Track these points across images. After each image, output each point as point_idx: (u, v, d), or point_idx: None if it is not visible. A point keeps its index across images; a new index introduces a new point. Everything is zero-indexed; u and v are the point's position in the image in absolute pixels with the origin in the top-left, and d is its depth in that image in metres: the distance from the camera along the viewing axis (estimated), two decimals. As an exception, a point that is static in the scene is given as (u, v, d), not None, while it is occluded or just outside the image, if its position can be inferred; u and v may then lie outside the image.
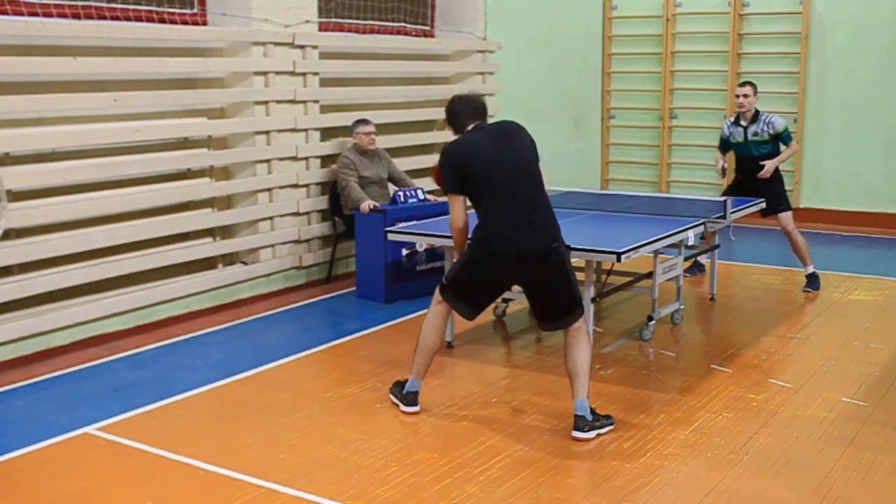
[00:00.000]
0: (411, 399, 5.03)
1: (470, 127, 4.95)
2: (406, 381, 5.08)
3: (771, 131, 7.49)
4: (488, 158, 4.76)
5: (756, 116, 7.56)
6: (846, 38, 10.65)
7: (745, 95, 7.52)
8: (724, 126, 7.78)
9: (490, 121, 5.20)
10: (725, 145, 7.81)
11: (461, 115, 5.00)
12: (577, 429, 4.67)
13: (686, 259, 6.98)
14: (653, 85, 11.82)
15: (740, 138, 7.60)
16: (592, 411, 4.75)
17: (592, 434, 4.69)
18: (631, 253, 5.46)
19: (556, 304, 4.85)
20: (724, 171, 7.84)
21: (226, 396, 5.36)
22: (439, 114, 9.21)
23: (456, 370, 5.82)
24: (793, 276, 8.16)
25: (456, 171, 4.82)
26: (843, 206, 10.83)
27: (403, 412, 5.01)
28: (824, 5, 10.74)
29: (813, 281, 7.65)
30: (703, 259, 7.93)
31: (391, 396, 5.17)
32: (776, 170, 7.57)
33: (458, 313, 5.02)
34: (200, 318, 6.89)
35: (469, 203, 4.92)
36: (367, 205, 7.33)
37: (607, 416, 4.83)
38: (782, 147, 7.57)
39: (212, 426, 4.90)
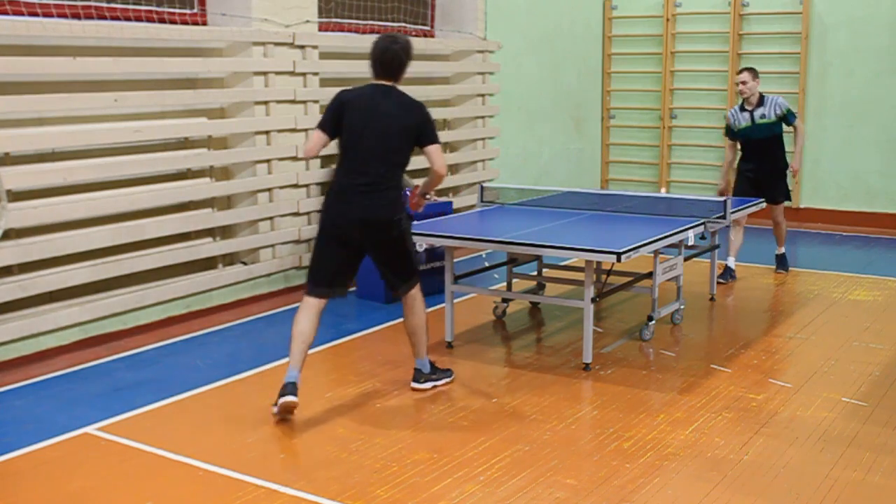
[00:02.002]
0: (287, 389, 4.83)
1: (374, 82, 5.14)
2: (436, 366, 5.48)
3: (779, 112, 7.66)
4: (360, 115, 4.98)
5: (762, 100, 7.70)
6: (846, 38, 10.66)
7: (744, 82, 7.70)
8: (730, 115, 7.91)
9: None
10: (733, 134, 7.93)
11: (371, 64, 5.17)
12: (414, 380, 5.33)
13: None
14: (653, 85, 11.83)
15: (747, 123, 7.69)
16: (432, 365, 5.38)
17: (429, 385, 5.33)
18: (631, 253, 5.46)
19: (395, 274, 5.17)
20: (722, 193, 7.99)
21: (226, 396, 5.36)
22: (439, 114, 9.26)
23: (456, 370, 5.81)
24: (793, 275, 8.16)
25: (334, 115, 5.04)
26: (843, 206, 10.83)
27: (279, 404, 4.82)
28: (824, 5, 10.74)
29: (783, 261, 8.11)
30: (732, 262, 8.01)
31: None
32: (783, 164, 7.82)
33: (309, 294, 5.05)
34: (200, 318, 6.89)
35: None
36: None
37: (446, 370, 5.44)
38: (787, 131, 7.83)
39: (212, 426, 4.90)
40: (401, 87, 5.15)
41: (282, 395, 4.82)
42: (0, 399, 5.31)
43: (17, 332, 5.79)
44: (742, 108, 7.74)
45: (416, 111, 5.07)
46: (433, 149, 5.08)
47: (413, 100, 5.12)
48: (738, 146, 8.00)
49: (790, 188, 8.19)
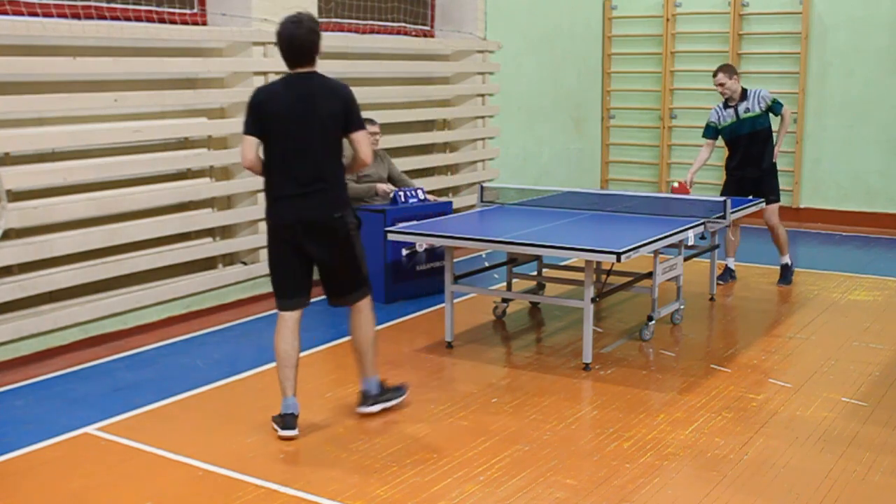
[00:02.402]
0: (289, 422, 4.69)
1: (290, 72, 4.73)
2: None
3: (764, 104, 7.54)
4: (280, 113, 4.58)
5: (745, 94, 7.59)
6: (846, 38, 10.66)
7: (721, 84, 7.56)
8: (713, 113, 7.73)
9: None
10: (714, 132, 7.75)
11: (282, 56, 4.77)
12: (360, 404, 4.93)
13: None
14: (653, 85, 11.83)
15: (732, 119, 7.60)
16: (381, 385, 4.96)
17: (377, 408, 4.93)
18: (631, 253, 5.46)
19: (341, 280, 4.79)
20: (690, 184, 7.88)
21: (226, 396, 5.36)
22: (439, 114, 9.26)
23: (456, 370, 5.82)
24: (793, 275, 8.16)
25: (254, 117, 4.63)
26: (843, 205, 10.83)
27: (280, 437, 4.69)
28: (824, 5, 10.74)
29: (786, 274, 7.84)
30: (731, 263, 7.96)
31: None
32: (770, 162, 7.66)
33: (282, 309, 4.78)
34: (200, 318, 6.89)
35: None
36: (382, 188, 7.42)
37: (397, 388, 5.03)
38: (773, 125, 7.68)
39: (212, 426, 4.90)
40: (320, 71, 4.78)
41: (285, 427, 4.68)
42: (0, 399, 5.31)
43: (17, 332, 5.80)
44: (726, 105, 7.64)
45: (340, 94, 4.69)
46: (360, 136, 4.69)
47: (336, 82, 4.76)
48: (718, 145, 7.84)
49: (777, 186, 7.83)
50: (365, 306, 4.86)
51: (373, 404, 4.94)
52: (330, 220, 4.65)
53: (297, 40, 4.71)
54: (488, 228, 6.45)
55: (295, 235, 4.65)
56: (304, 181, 4.60)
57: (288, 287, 4.77)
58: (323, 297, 7.70)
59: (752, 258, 8.78)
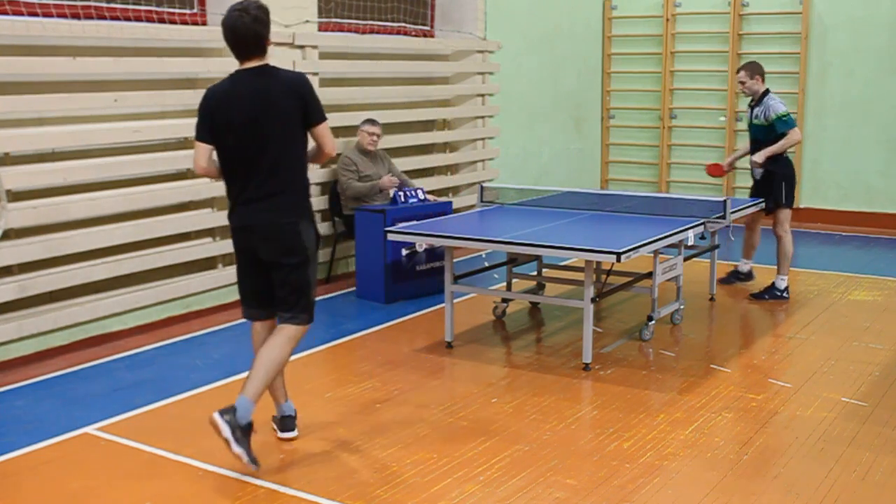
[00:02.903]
0: (287, 424, 4.62)
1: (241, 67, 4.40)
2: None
3: (769, 117, 7.22)
4: (232, 116, 4.27)
5: (762, 98, 7.34)
6: (846, 38, 10.65)
7: (742, 82, 7.41)
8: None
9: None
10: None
11: (230, 49, 4.40)
12: (221, 413, 4.16)
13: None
14: (652, 85, 11.83)
15: (748, 120, 7.49)
16: (247, 431, 4.19)
17: (227, 434, 4.14)
18: (631, 253, 5.46)
19: (280, 293, 4.37)
20: (729, 166, 7.79)
21: (226, 396, 5.34)
22: (439, 114, 9.26)
23: (456, 370, 5.82)
24: (793, 275, 8.15)
25: (205, 122, 4.36)
26: (843, 205, 10.83)
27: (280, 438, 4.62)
28: (824, 5, 10.74)
29: (768, 291, 7.38)
30: (743, 266, 7.79)
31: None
32: (781, 166, 7.29)
33: (246, 318, 4.58)
34: (200, 318, 6.89)
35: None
36: (388, 179, 7.44)
37: (252, 460, 4.15)
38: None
39: (213, 425, 4.89)
40: (273, 62, 4.44)
41: (284, 429, 4.64)
42: (0, 399, 5.31)
43: (17, 332, 5.80)
44: (749, 104, 7.51)
45: (296, 88, 4.31)
46: (322, 128, 4.32)
47: (292, 75, 4.41)
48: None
49: (782, 196, 7.34)
50: (292, 331, 4.36)
51: (227, 422, 4.15)
52: (280, 226, 4.28)
53: (241, 30, 4.28)
54: (488, 228, 6.45)
55: (249, 242, 4.37)
56: (259, 185, 4.26)
57: (248, 296, 4.53)
58: (321, 297, 7.73)
59: (753, 258, 8.78)
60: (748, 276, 7.83)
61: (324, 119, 4.36)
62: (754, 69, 7.45)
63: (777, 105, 7.25)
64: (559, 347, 6.21)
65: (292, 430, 4.68)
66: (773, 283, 7.43)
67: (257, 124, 4.23)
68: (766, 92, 7.38)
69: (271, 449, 4.57)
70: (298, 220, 4.33)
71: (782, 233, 7.37)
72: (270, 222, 4.29)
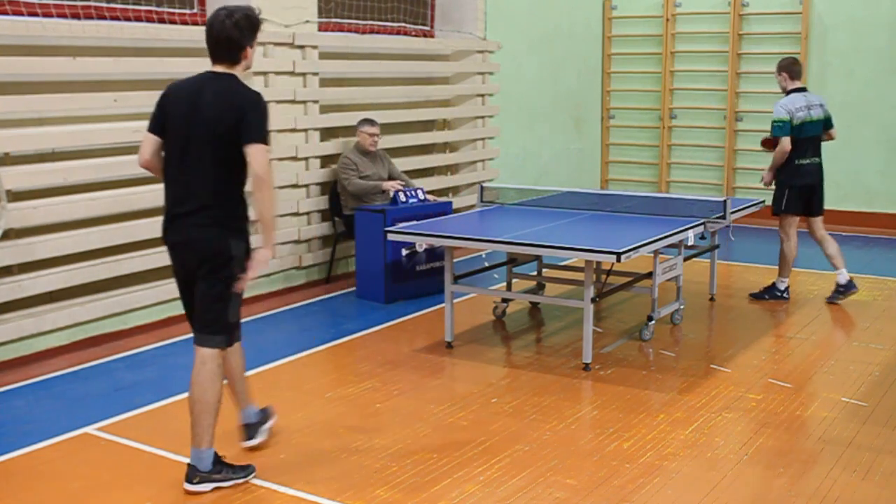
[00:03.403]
0: (249, 432, 4.48)
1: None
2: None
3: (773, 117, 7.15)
4: (175, 114, 4.09)
5: (784, 97, 7.24)
6: (846, 38, 10.65)
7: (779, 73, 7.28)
8: None
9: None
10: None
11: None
12: (186, 479, 4.08)
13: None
14: (653, 85, 11.82)
15: None
16: (217, 460, 4.12)
17: (206, 487, 4.07)
18: (631, 253, 5.46)
19: (197, 310, 4.13)
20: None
21: (226, 396, 5.35)
22: (439, 114, 9.26)
23: (456, 370, 5.82)
24: (793, 275, 8.15)
25: (156, 112, 4.20)
26: (843, 205, 10.81)
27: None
28: (824, 5, 10.74)
29: (772, 291, 7.38)
30: (843, 279, 7.30)
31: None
32: (784, 173, 7.23)
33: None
34: (200, 318, 6.88)
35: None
36: (387, 184, 7.45)
37: (242, 468, 4.18)
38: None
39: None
40: (241, 75, 4.13)
41: (244, 437, 4.50)
42: (0, 399, 5.31)
43: (17, 332, 5.80)
44: None
45: (239, 103, 3.98)
46: (253, 150, 3.91)
47: (244, 91, 4.05)
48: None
49: (782, 203, 7.29)
50: (210, 359, 4.09)
51: (199, 482, 4.07)
52: (206, 238, 4.01)
53: (216, 30, 4.05)
54: (488, 228, 6.45)
55: (175, 256, 4.15)
56: (185, 195, 4.03)
57: (186, 311, 4.28)
58: (321, 297, 7.73)
59: (753, 258, 8.79)
60: (848, 286, 7.31)
61: (259, 141, 3.93)
62: (780, 66, 7.34)
63: (778, 108, 7.16)
64: (559, 347, 6.21)
65: (253, 437, 4.51)
66: (774, 284, 7.44)
67: (191, 129, 4.01)
68: (789, 92, 7.27)
69: (271, 449, 4.57)
70: (227, 234, 4.03)
71: (783, 237, 7.37)
72: (192, 237, 4.03)
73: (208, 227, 4.00)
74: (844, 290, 7.29)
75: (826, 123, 7.45)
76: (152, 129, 4.16)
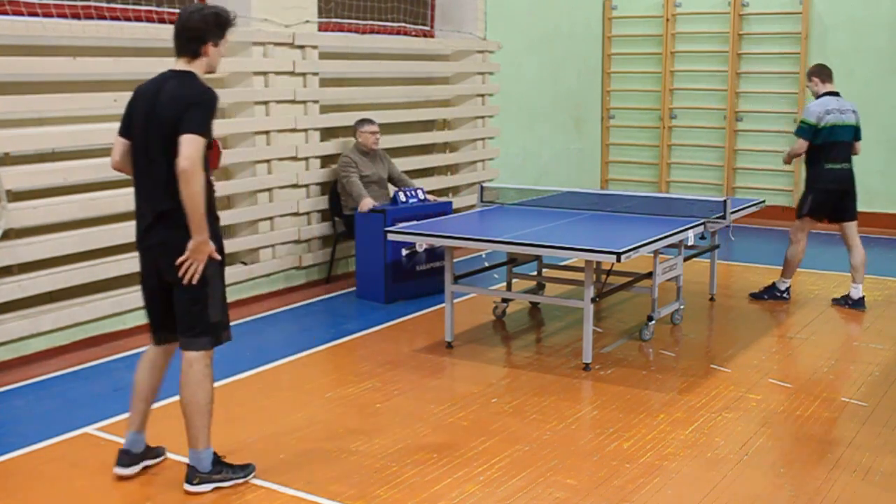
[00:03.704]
0: (121, 460, 4.25)
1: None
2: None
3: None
4: (135, 115, 4.04)
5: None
6: (846, 38, 10.66)
7: (811, 82, 7.26)
8: None
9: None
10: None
11: None
12: (186, 480, 4.09)
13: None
14: (653, 85, 11.83)
15: None
16: (217, 460, 4.14)
17: (206, 488, 4.08)
18: (631, 253, 5.46)
19: (177, 312, 4.06)
20: None
21: (226, 396, 5.35)
22: (439, 114, 9.26)
23: (456, 370, 5.82)
24: (794, 275, 8.15)
25: (124, 115, 4.14)
26: (843, 206, 10.80)
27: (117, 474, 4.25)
28: (824, 5, 10.74)
29: (767, 291, 7.40)
30: (856, 293, 7.19)
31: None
32: (811, 178, 7.16)
33: (151, 343, 4.24)
34: (200, 318, 6.88)
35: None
36: (366, 203, 7.33)
37: (242, 467, 4.19)
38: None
39: (212, 426, 4.89)
40: (201, 74, 4.02)
41: (117, 464, 4.25)
42: (0, 399, 5.31)
43: (17, 332, 5.79)
44: None
45: (187, 96, 3.89)
46: (185, 138, 3.78)
47: (192, 85, 3.95)
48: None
49: (805, 206, 7.23)
50: (196, 361, 4.02)
51: (199, 483, 4.08)
52: (169, 243, 3.95)
53: (180, 23, 3.99)
54: (488, 228, 6.45)
55: (146, 259, 4.11)
56: (151, 196, 4.00)
57: (150, 315, 4.21)
58: (321, 297, 7.72)
59: (753, 258, 8.79)
60: (857, 303, 7.19)
61: (191, 131, 3.80)
62: (810, 71, 7.34)
63: (808, 110, 7.09)
64: (559, 347, 6.21)
65: (126, 465, 4.24)
66: (774, 284, 7.44)
67: (145, 127, 3.97)
68: (822, 95, 7.20)
69: (271, 449, 4.57)
70: (183, 236, 3.92)
71: (792, 238, 7.32)
72: (168, 239, 3.96)
73: (177, 229, 3.90)
74: (853, 304, 7.20)
75: (856, 132, 7.24)
76: (121, 131, 4.12)
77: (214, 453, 4.15)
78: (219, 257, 4.03)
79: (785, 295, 7.38)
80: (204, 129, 3.86)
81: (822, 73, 7.33)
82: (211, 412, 4.09)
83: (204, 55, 4.02)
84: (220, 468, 4.15)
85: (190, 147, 3.79)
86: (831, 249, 9.53)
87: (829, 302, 7.31)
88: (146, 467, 4.31)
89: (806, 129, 7.01)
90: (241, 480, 4.17)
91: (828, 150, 7.05)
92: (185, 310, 4.03)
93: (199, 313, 4.02)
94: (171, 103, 3.89)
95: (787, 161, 7.44)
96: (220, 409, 5.12)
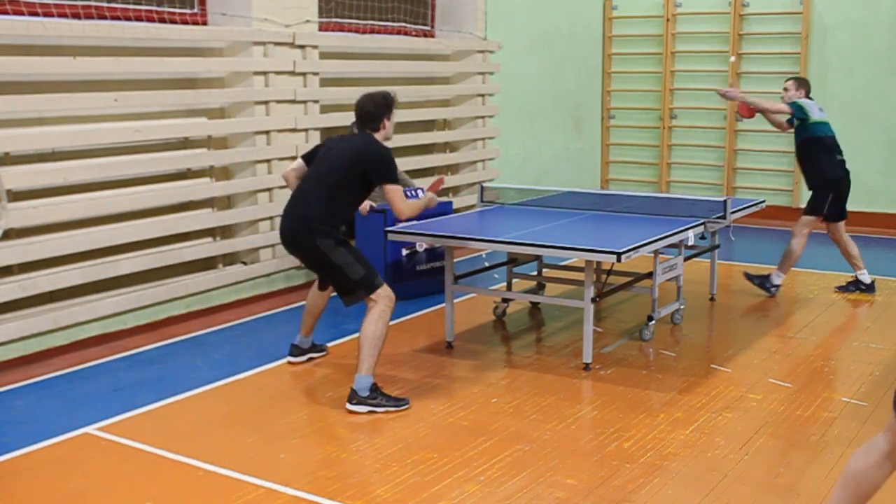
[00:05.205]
0: (291, 350, 5.85)
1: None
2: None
3: (793, 118, 7.30)
4: (321, 150, 5.39)
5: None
6: (846, 38, 10.65)
7: (785, 89, 7.44)
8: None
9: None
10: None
11: None
12: (348, 399, 5.01)
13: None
14: (653, 85, 11.83)
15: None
16: (375, 388, 5.01)
17: (363, 409, 4.97)
18: (631, 253, 5.46)
19: (334, 286, 5.32)
20: None
21: (226, 396, 5.36)
22: (439, 114, 9.27)
23: (456, 370, 5.82)
24: (793, 275, 8.16)
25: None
26: (843, 206, 10.81)
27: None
28: (824, 5, 10.74)
29: (764, 280, 7.51)
30: (866, 278, 7.54)
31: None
32: (816, 176, 7.35)
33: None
34: (200, 318, 6.89)
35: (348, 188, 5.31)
36: (365, 205, 7.32)
37: (397, 400, 5.05)
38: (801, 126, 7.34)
39: (212, 426, 4.90)
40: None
41: (291, 353, 5.85)
42: (0, 399, 5.31)
43: (18, 332, 5.79)
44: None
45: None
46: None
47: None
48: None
49: (824, 205, 7.35)
50: (374, 305, 5.10)
51: (357, 403, 5.00)
52: (298, 236, 5.24)
53: (357, 110, 5.41)
54: (488, 228, 6.45)
55: (284, 245, 5.44)
56: (292, 206, 5.32)
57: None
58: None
59: (753, 258, 8.79)
60: (870, 287, 7.55)
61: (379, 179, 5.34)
62: (794, 83, 7.49)
63: (805, 104, 7.29)
64: (559, 347, 6.22)
65: (296, 356, 5.84)
66: (769, 276, 7.55)
67: (321, 164, 5.37)
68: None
69: (271, 449, 4.58)
70: (325, 233, 5.19)
71: (797, 233, 7.41)
72: (298, 234, 5.27)
73: (307, 227, 5.22)
74: (866, 288, 7.50)
75: None
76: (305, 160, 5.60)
77: (374, 383, 5.00)
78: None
79: (773, 290, 7.46)
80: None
81: (801, 83, 7.54)
82: (379, 348, 5.02)
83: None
84: (377, 395, 5.00)
85: None
86: (830, 249, 9.54)
87: (828, 302, 7.31)
88: (311, 358, 5.87)
89: (799, 111, 7.24)
90: (392, 409, 4.97)
91: (830, 143, 7.33)
92: (341, 283, 5.19)
93: (351, 280, 5.12)
94: (348, 161, 5.24)
95: (734, 96, 7.57)
96: (220, 409, 5.14)
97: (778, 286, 7.49)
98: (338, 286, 5.22)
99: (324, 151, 5.35)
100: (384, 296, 5.11)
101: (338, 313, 7.09)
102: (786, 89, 7.49)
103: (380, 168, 5.18)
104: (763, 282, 7.53)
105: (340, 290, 5.21)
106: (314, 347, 5.92)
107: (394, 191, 5.18)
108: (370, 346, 5.02)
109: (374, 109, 5.27)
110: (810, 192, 7.51)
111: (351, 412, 4.96)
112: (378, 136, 5.31)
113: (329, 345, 6.26)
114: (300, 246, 5.23)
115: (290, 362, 5.81)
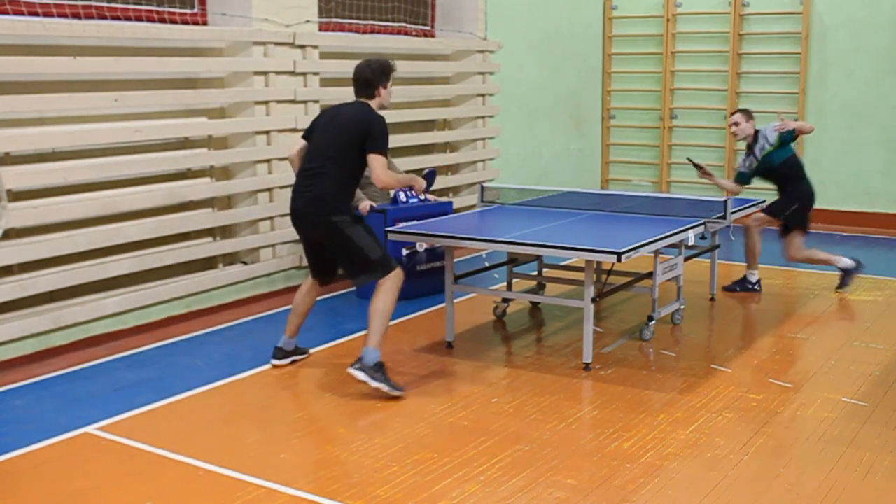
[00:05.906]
0: (275, 354, 5.76)
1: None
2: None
3: (769, 142, 7.37)
4: (319, 124, 5.43)
5: (756, 136, 7.46)
6: (846, 38, 10.66)
7: (736, 123, 7.49)
8: (741, 164, 7.64)
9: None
10: (747, 178, 7.60)
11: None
12: (352, 366, 5.15)
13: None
14: (653, 85, 11.83)
15: (756, 163, 7.49)
16: (380, 365, 5.14)
17: (361, 375, 5.11)
18: (631, 253, 5.46)
19: (347, 266, 5.40)
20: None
21: (226, 396, 5.36)
22: (439, 114, 9.27)
23: (456, 370, 5.81)
24: (793, 275, 8.17)
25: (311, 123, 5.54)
26: (843, 205, 10.83)
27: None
28: (824, 5, 10.74)
29: (744, 283, 7.65)
30: (751, 275, 7.66)
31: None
32: (798, 190, 7.49)
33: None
34: (200, 318, 6.89)
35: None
36: (365, 205, 7.32)
37: (395, 385, 5.17)
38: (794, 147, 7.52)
39: (212, 426, 4.90)
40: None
41: (274, 356, 5.76)
42: (0, 399, 5.31)
43: (17, 332, 5.80)
44: (747, 154, 7.55)
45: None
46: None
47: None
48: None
49: (802, 218, 7.58)
50: (386, 281, 5.28)
51: (360, 370, 5.13)
52: (314, 215, 5.32)
53: (355, 76, 5.46)
54: (488, 228, 6.45)
55: (296, 224, 5.54)
56: (305, 183, 5.41)
57: (308, 263, 5.72)
58: (321, 297, 7.71)
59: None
60: (856, 267, 7.69)
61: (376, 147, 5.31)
62: (749, 113, 7.57)
63: (770, 131, 7.41)
64: (559, 347, 6.21)
65: (279, 358, 5.75)
66: (745, 277, 7.66)
67: (325, 134, 5.44)
68: (757, 130, 7.51)
69: (271, 449, 4.58)
70: (341, 211, 5.33)
71: (754, 230, 7.56)
72: (315, 213, 5.36)
73: (324, 206, 5.35)
74: (855, 269, 7.64)
75: None
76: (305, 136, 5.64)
77: (381, 362, 5.13)
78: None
79: (756, 287, 7.59)
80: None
81: (748, 113, 7.59)
82: (386, 322, 5.21)
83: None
84: (378, 371, 5.11)
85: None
86: (830, 249, 9.53)
87: (829, 302, 7.31)
88: (294, 361, 5.81)
89: (785, 136, 7.41)
90: (385, 389, 5.10)
91: (800, 164, 7.58)
92: (357, 263, 5.30)
93: (368, 261, 5.25)
94: (352, 129, 5.25)
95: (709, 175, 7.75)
96: (220, 409, 5.14)
97: (759, 280, 7.64)
98: (352, 266, 5.29)
99: (323, 124, 5.38)
100: (395, 273, 5.31)
101: (337, 313, 7.10)
102: (736, 123, 7.51)
103: (377, 135, 5.20)
104: (744, 285, 7.64)
105: (355, 270, 5.29)
106: (297, 350, 5.85)
107: (378, 159, 5.18)
108: (379, 320, 5.19)
109: (371, 76, 5.30)
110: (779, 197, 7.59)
111: (349, 374, 5.15)
112: (373, 103, 5.34)
113: (329, 345, 6.27)
114: (314, 223, 5.29)
115: (274, 366, 5.73)
